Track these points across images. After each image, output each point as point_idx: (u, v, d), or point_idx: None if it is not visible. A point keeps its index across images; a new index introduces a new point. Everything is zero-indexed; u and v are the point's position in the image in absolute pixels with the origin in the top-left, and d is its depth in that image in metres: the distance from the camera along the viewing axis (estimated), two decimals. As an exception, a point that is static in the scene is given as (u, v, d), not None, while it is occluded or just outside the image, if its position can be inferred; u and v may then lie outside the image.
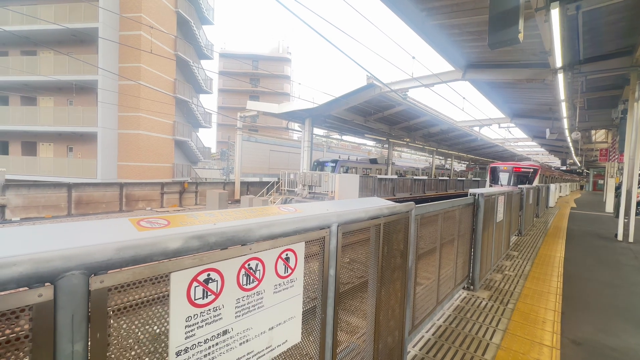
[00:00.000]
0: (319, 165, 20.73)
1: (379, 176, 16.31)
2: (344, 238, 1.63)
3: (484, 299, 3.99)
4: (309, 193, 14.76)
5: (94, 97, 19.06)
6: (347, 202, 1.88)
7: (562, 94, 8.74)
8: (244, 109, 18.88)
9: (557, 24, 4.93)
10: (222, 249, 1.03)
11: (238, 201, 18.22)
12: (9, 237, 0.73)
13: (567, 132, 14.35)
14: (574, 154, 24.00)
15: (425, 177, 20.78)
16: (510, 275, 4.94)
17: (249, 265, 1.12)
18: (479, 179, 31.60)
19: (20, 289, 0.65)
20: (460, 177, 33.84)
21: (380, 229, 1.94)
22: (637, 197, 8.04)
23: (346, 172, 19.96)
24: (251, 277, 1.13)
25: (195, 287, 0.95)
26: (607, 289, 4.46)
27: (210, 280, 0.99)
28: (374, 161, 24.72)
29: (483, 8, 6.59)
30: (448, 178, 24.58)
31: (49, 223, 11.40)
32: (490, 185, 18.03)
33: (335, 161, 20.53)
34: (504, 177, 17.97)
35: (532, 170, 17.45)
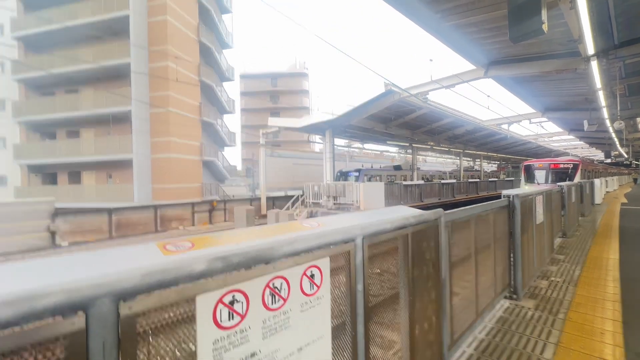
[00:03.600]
0: (343, 176, 20.66)
1: (404, 183, 15.94)
2: (371, 250, 1.58)
3: (529, 308, 3.68)
4: (334, 204, 14.70)
5: (129, 126, 20.51)
6: (372, 213, 1.83)
7: (598, 83, 8.14)
8: (266, 125, 19.41)
9: (585, 10, 4.64)
10: (246, 268, 1.02)
11: (265, 216, 18.51)
12: (42, 267, 0.77)
13: (608, 123, 13.27)
14: (618, 145, 22.10)
15: (454, 181, 20.00)
16: (558, 282, 4.54)
17: (273, 284, 1.10)
18: (513, 178, 29.88)
19: (54, 318, 0.67)
20: (492, 178, 32.18)
21: (407, 239, 1.87)
22: None
23: (370, 180, 19.71)
24: (276, 297, 1.11)
25: (220, 309, 0.95)
26: (676, 294, 3.96)
27: (235, 302, 0.98)
28: (398, 168, 24.25)
29: (499, 3, 6.38)
30: (478, 180, 23.49)
31: (92, 246, 12.18)
32: (526, 185, 16.97)
33: (358, 170, 20.39)
34: (540, 175, 16.85)
35: (571, 165, 16.23)
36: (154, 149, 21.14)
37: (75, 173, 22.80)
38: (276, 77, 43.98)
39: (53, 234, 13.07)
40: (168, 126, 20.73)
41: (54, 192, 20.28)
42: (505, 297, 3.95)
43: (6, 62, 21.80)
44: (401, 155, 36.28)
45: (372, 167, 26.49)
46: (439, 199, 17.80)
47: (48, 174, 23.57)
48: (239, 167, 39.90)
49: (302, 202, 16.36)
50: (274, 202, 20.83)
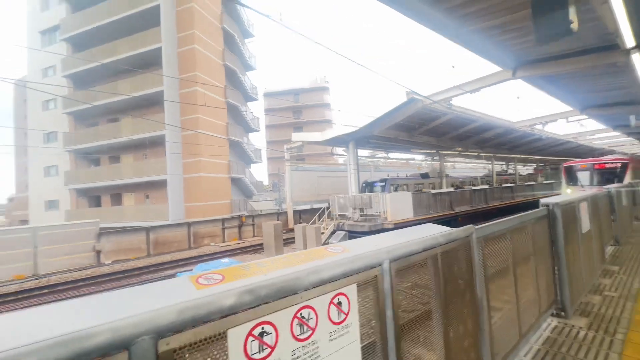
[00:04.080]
0: (368, 187, 20.43)
1: (433, 191, 15.44)
2: (399, 273, 1.54)
3: (581, 327, 3.36)
4: (361, 216, 14.51)
5: (163, 149, 21.86)
6: (397, 234, 1.80)
7: (642, 75, 7.51)
8: (290, 140, 19.83)
9: (619, 3, 4.36)
10: (274, 300, 1.05)
11: (292, 230, 18.66)
12: (85, 306, 0.84)
13: (658, 116, 12.12)
14: (674, 139, 19.97)
15: (487, 186, 19.06)
16: (613, 297, 4.12)
17: (301, 314, 1.11)
18: (552, 181, 27.90)
19: (103, 358, 0.73)
20: (528, 181, 30.24)
21: (437, 258, 1.80)
22: None
23: (396, 190, 19.31)
24: (304, 327, 1.12)
25: (251, 341, 0.97)
26: None
27: (264, 334, 1.01)
28: (425, 176, 23.58)
29: (523, 3, 6.16)
30: (514, 184, 22.18)
31: (132, 263, 12.87)
32: (568, 188, 15.76)
33: (384, 180, 20.08)
34: (583, 176, 15.59)
35: (620, 164, 14.87)
36: (185, 169, 22.30)
37: (116, 195, 24.54)
38: (298, 92, 45.12)
39: (98, 253, 14.05)
40: (198, 147, 21.84)
41: (98, 214, 21.90)
42: (552, 315, 3.65)
43: (58, 98, 24.30)
44: (428, 162, 35.32)
45: (397, 176, 25.98)
46: (471, 206, 17.00)
47: (93, 197, 25.56)
48: (266, 182, 40.83)
49: (329, 215, 16.33)
50: (301, 215, 20.99)
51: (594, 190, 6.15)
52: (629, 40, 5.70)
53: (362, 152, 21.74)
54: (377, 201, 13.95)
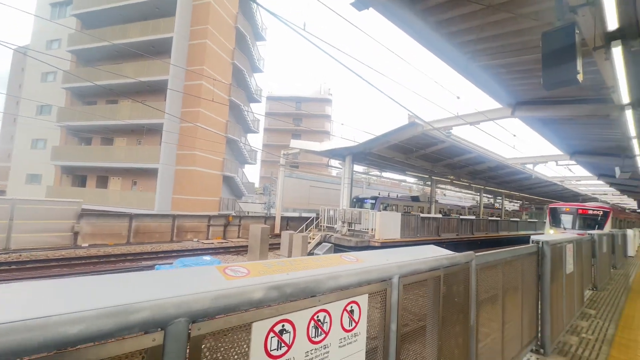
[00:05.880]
0: (359, 202, 20.54)
1: (422, 215, 15.63)
2: (405, 289, 1.58)
3: (558, 366, 3.44)
4: (349, 230, 14.52)
5: (159, 138, 21.57)
6: (405, 251, 1.85)
7: (632, 131, 7.91)
8: (287, 146, 19.88)
9: (620, 62, 4.65)
10: (296, 299, 1.07)
11: (278, 235, 18.49)
12: (129, 282, 0.85)
13: (642, 171, 12.70)
14: (653, 195, 20.90)
15: (473, 217, 19.42)
16: (590, 340, 4.23)
17: (317, 317, 1.14)
18: (536, 220, 28.64)
19: (140, 334, 0.74)
20: (513, 217, 30.97)
21: (440, 280, 1.85)
22: None
23: (386, 209, 19.47)
24: (319, 330, 1.14)
25: (271, 337, 0.99)
26: None
27: (284, 332, 1.03)
28: (415, 199, 23.88)
29: (530, 48, 6.50)
30: (499, 218, 22.67)
31: (110, 249, 12.48)
32: (551, 229, 16.22)
33: (375, 198, 20.24)
34: (566, 219, 16.11)
35: (602, 212, 15.45)
36: (179, 160, 22.01)
37: (103, 177, 23.93)
38: (300, 100, 45.54)
39: (76, 234, 13.58)
40: (195, 140, 21.65)
41: (81, 194, 21.26)
42: (532, 351, 3.72)
43: (58, 72, 23.86)
44: (419, 185, 35.82)
45: (389, 195, 26.25)
46: (457, 235, 17.23)
47: (78, 176, 24.86)
48: (257, 185, 40.56)
49: (317, 225, 16.28)
50: (288, 222, 20.86)
51: (575, 234, 6.36)
52: (625, 97, 6.04)
53: (357, 168, 21.94)
54: (366, 217, 14.01)
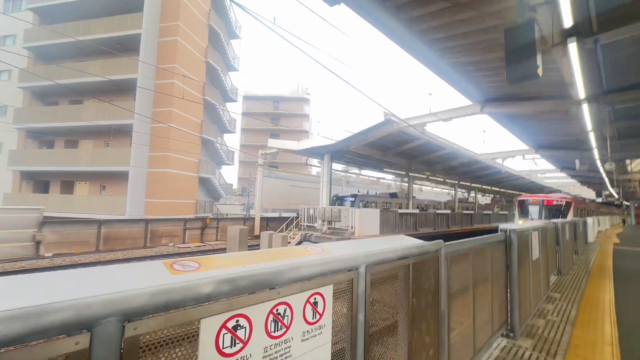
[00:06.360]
0: (338, 200, 20.63)
1: (400, 210, 15.94)
2: (373, 279, 1.56)
3: (527, 348, 3.59)
4: (329, 228, 14.55)
5: (129, 139, 20.57)
6: (374, 242, 1.83)
7: (588, 125, 8.47)
8: (265, 146, 19.60)
9: (576, 58, 4.94)
10: (251, 293, 1.01)
11: (258, 237, 18.21)
12: (49, 281, 0.76)
13: (598, 163, 13.66)
14: (609, 186, 22.57)
15: (449, 211, 20.07)
16: (555, 321, 4.46)
17: (277, 310, 1.08)
18: (507, 212, 30.09)
19: (59, 337, 0.65)
20: (486, 210, 32.40)
21: (409, 269, 1.85)
22: None
23: (365, 206, 19.69)
24: (279, 324, 1.08)
25: (223, 334, 0.92)
26: (674, 340, 3.90)
27: (238, 327, 0.96)
28: (394, 195, 24.34)
29: (496, 46, 6.76)
30: (473, 212, 23.60)
31: (77, 258, 11.76)
32: (520, 219, 17.08)
33: (354, 196, 20.41)
34: (533, 210, 17.04)
35: (564, 202, 16.47)
36: (151, 162, 21.10)
37: (68, 183, 22.50)
38: (278, 100, 45.10)
39: (38, 243, 12.66)
40: (168, 141, 20.85)
41: (44, 201, 19.88)
42: (502, 335, 3.86)
43: (14, 70, 22.15)
44: (397, 183, 36.59)
45: (368, 193, 26.58)
46: (434, 229, 17.74)
47: (40, 182, 23.23)
48: (235, 186, 39.75)
49: (297, 224, 16.18)
50: (268, 223, 20.58)
51: (542, 223, 6.70)
52: (581, 92, 6.44)
53: (336, 166, 22.06)
54: (346, 215, 14.09)
